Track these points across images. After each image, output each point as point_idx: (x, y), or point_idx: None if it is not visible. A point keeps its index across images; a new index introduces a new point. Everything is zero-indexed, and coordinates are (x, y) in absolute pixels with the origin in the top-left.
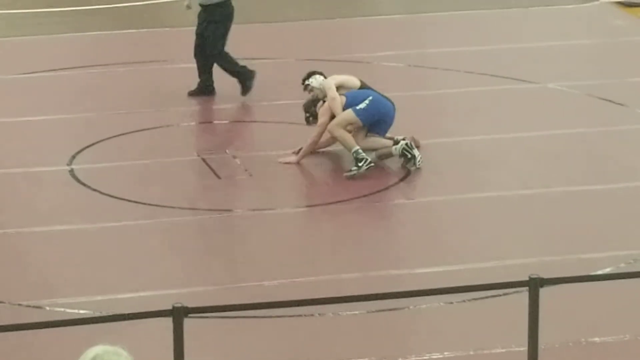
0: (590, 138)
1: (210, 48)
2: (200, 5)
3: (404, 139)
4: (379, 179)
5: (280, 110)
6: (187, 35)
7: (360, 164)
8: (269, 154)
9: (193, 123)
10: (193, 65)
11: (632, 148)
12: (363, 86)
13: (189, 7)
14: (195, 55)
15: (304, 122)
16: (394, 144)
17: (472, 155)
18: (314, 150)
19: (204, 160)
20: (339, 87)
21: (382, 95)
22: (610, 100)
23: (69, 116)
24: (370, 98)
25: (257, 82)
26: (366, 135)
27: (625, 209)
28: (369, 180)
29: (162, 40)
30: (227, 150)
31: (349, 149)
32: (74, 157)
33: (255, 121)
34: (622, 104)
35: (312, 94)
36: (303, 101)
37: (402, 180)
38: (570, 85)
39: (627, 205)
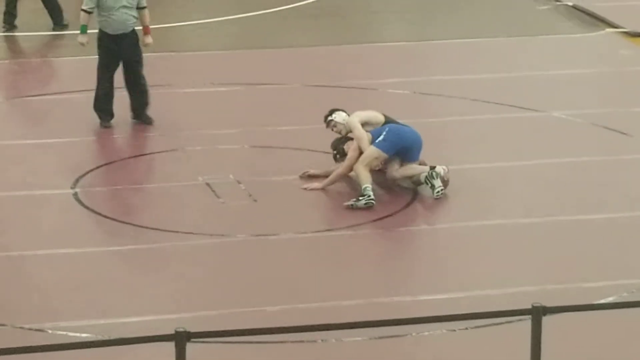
0: (594, 167)
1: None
2: (116, 32)
3: (433, 168)
4: (383, 206)
5: (285, 136)
6: (192, 60)
7: (360, 198)
8: (273, 179)
9: (198, 147)
10: (199, 89)
11: (635, 177)
12: (387, 120)
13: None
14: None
15: (332, 159)
16: (430, 168)
17: (476, 182)
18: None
19: (208, 184)
20: (363, 124)
21: (404, 125)
22: (614, 130)
23: (73, 139)
24: (387, 129)
25: (263, 108)
26: (401, 165)
27: (628, 238)
28: (373, 207)
29: (166, 64)
30: (231, 175)
31: (361, 184)
32: (77, 180)
33: (260, 146)
34: (626, 134)
35: (335, 129)
36: (314, 127)
37: (405, 207)
38: (575, 114)
39: (630, 235)
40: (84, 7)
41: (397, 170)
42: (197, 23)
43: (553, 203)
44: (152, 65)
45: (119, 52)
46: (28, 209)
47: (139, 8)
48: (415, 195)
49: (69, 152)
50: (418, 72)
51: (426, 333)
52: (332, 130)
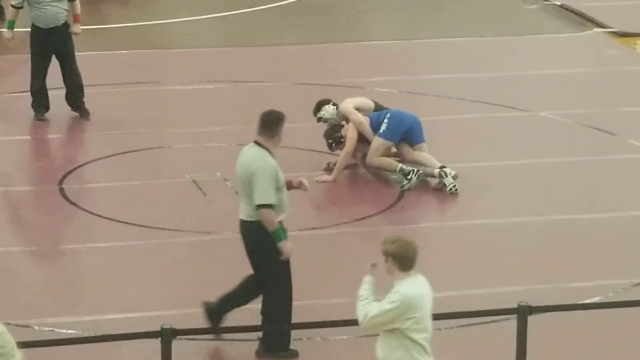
0: (581, 167)
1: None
2: (48, 26)
3: (443, 167)
4: (371, 205)
5: None
6: (179, 58)
7: (409, 177)
8: None
9: (184, 145)
10: (186, 87)
11: (622, 178)
12: (378, 107)
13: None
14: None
15: (327, 148)
16: (440, 167)
17: (464, 182)
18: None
19: (194, 182)
20: (356, 110)
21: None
22: (601, 130)
23: (59, 136)
24: (388, 115)
25: (250, 106)
26: (413, 148)
27: (615, 238)
28: (361, 205)
29: (153, 61)
30: (217, 173)
31: (394, 170)
32: (64, 176)
33: (246, 144)
34: (613, 134)
35: (326, 124)
36: (302, 125)
37: (393, 206)
38: (562, 113)
39: (617, 235)
40: (13, 3)
41: (411, 154)
42: (185, 20)
43: (540, 203)
44: (139, 62)
45: (52, 45)
46: (14, 205)
47: (70, 0)
48: (402, 193)
49: (55, 148)
50: (405, 71)
51: None
52: (324, 124)
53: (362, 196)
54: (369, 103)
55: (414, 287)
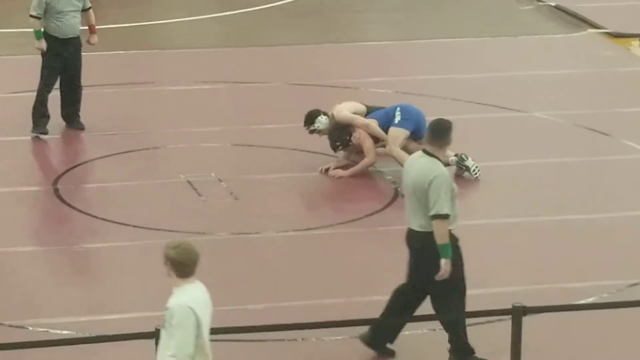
0: (576, 168)
1: (79, 78)
2: (66, 37)
3: (457, 154)
4: (365, 204)
5: (267, 134)
6: (176, 58)
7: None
8: (255, 177)
9: (180, 145)
10: (182, 87)
11: (617, 178)
12: (368, 108)
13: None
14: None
15: (331, 149)
16: (455, 154)
17: (459, 182)
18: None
19: (189, 182)
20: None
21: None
22: (596, 130)
23: (55, 136)
24: (399, 108)
25: (245, 106)
26: (419, 143)
27: (610, 238)
28: (356, 205)
29: (148, 61)
30: (213, 173)
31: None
32: (59, 177)
33: (242, 145)
34: (608, 134)
35: (320, 134)
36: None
37: (387, 206)
38: (558, 114)
39: (612, 235)
40: (33, 13)
41: (418, 148)
42: (181, 21)
43: (535, 203)
44: (135, 62)
45: (67, 56)
46: (9, 205)
47: (84, 10)
48: (396, 193)
49: (51, 149)
50: (400, 72)
51: (406, 332)
52: (319, 135)
53: (357, 196)
54: (360, 107)
55: (190, 295)
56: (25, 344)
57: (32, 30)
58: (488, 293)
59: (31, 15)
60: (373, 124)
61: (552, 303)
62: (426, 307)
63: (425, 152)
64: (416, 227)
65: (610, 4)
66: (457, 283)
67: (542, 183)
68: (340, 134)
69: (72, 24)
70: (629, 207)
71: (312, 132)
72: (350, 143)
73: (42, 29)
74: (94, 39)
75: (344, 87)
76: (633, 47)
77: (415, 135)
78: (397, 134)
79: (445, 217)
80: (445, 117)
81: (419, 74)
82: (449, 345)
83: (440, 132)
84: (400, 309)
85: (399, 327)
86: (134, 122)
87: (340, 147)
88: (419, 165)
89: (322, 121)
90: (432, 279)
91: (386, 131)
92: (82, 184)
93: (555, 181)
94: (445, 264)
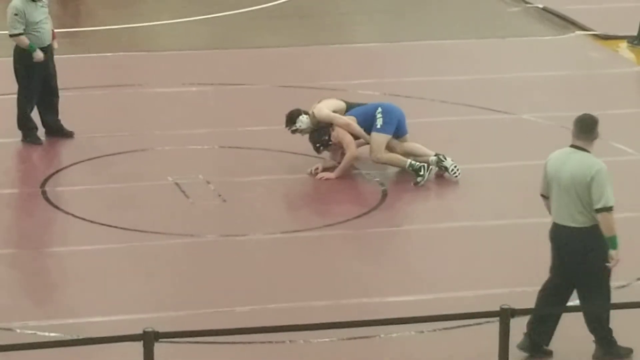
0: None
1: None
2: (45, 44)
3: (438, 154)
4: (353, 207)
5: (255, 136)
6: (163, 60)
7: (422, 173)
8: (242, 179)
9: (167, 147)
10: (169, 89)
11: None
12: (348, 105)
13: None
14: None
15: (314, 151)
16: (435, 154)
17: (446, 184)
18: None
19: (177, 184)
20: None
21: (379, 102)
22: None
23: (41, 138)
24: (380, 110)
25: (233, 108)
26: (399, 140)
27: None
28: (343, 208)
29: (136, 64)
30: (200, 175)
31: (403, 166)
32: (47, 179)
33: (229, 147)
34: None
35: (302, 134)
36: (283, 127)
37: (375, 208)
38: (545, 116)
39: None
40: (15, 32)
41: (400, 146)
42: (169, 23)
43: (522, 205)
44: (123, 64)
45: (46, 64)
46: None
47: None
48: (384, 196)
49: (38, 151)
50: (388, 74)
51: (394, 335)
52: (301, 134)
53: (344, 198)
54: (340, 104)
55: None
56: (12, 347)
57: (7, 32)
58: (475, 295)
59: (13, 35)
60: (354, 123)
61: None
62: (416, 310)
63: (576, 147)
64: (575, 224)
65: (598, 6)
66: (607, 275)
67: (530, 185)
68: (320, 135)
69: (47, 31)
70: (616, 210)
71: (294, 132)
72: (330, 142)
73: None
74: (55, 44)
75: (331, 89)
76: (621, 49)
77: (396, 134)
78: (381, 141)
79: (611, 209)
80: (433, 119)
81: (406, 75)
82: (593, 338)
83: (589, 127)
84: (551, 305)
85: (553, 326)
86: (122, 125)
87: (322, 148)
88: (575, 162)
89: (303, 120)
90: (583, 272)
91: (365, 130)
92: (69, 186)
93: None
94: (615, 255)
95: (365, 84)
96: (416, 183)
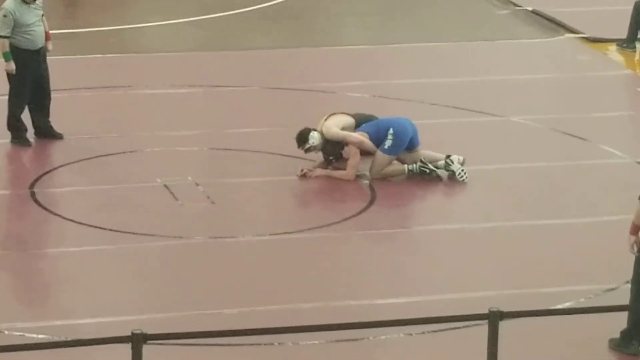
0: (552, 172)
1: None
2: (37, 47)
3: (449, 156)
4: (342, 209)
5: (244, 138)
6: (152, 62)
7: (426, 170)
8: (231, 181)
9: (156, 149)
10: (158, 91)
11: (594, 183)
12: (357, 119)
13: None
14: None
15: (326, 162)
16: (445, 157)
17: (435, 187)
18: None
19: (166, 186)
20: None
21: (390, 119)
22: (573, 135)
23: (31, 139)
24: (392, 131)
25: (222, 110)
26: (411, 152)
27: (586, 243)
28: (332, 210)
29: (126, 65)
30: (189, 177)
31: (403, 173)
32: (36, 180)
33: (218, 149)
34: (584, 139)
35: (317, 151)
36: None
37: (364, 210)
38: (534, 119)
39: (588, 240)
40: (2, 34)
41: (411, 157)
42: (158, 25)
43: (512, 208)
44: (113, 66)
45: (37, 65)
46: None
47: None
48: (373, 198)
49: (27, 152)
50: (377, 76)
51: (383, 337)
52: (315, 152)
53: (333, 200)
54: (349, 120)
55: None
56: (0, 348)
57: None
58: (464, 298)
59: (1, 36)
60: (366, 140)
61: (528, 308)
62: (404, 312)
63: None
64: None
65: (587, 9)
66: None
67: (519, 187)
68: (334, 148)
69: (40, 33)
70: (606, 212)
71: (307, 150)
72: (342, 155)
73: (9, 50)
74: (50, 45)
75: (320, 91)
76: (610, 52)
77: (407, 148)
78: (384, 161)
79: None
80: (423, 121)
81: (396, 78)
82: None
83: None
84: None
85: None
86: (111, 126)
87: (334, 161)
88: None
89: (315, 137)
90: None
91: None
92: (58, 188)
93: (531, 185)
94: None
95: (355, 86)
96: (437, 176)
